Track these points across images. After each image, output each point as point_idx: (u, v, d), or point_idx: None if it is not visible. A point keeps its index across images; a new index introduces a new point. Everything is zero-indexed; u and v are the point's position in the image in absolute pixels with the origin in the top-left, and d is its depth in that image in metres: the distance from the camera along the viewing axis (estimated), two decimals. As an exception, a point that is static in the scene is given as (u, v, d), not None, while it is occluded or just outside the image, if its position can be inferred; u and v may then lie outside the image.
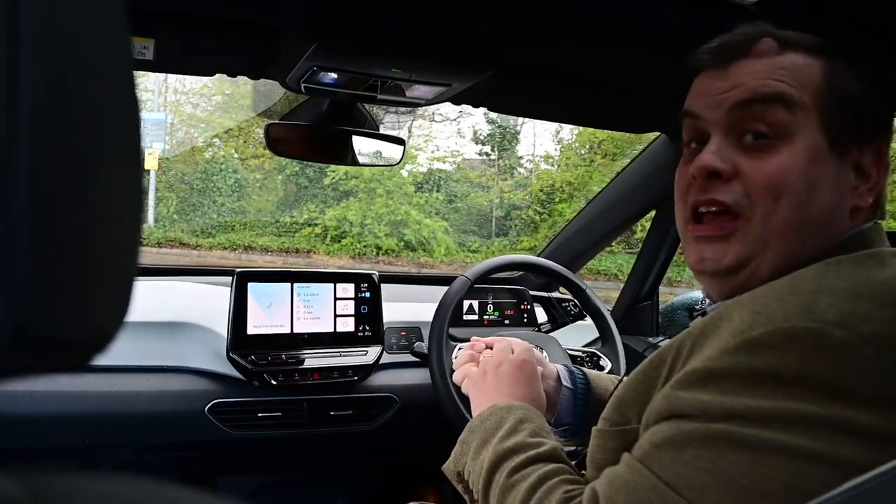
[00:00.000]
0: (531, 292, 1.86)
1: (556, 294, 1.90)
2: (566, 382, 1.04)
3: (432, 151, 12.11)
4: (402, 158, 1.48)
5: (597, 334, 1.63)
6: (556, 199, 10.64)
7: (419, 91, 1.17)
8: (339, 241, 10.35)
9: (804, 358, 0.55)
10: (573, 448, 1.04)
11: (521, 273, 2.04)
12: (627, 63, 1.15)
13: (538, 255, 1.85)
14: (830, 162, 0.67)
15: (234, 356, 1.40)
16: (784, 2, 0.97)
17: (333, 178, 10.80)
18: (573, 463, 0.81)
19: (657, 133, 1.62)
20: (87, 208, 0.22)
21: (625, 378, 0.77)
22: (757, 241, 0.67)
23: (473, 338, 1.09)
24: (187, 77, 10.89)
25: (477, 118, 12.03)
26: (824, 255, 0.66)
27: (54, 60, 0.21)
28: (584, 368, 1.10)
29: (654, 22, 1.03)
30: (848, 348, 0.55)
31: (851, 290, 0.59)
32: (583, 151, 11.08)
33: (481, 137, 11.92)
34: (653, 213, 1.82)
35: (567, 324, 1.82)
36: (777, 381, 0.56)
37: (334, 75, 1.10)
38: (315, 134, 1.40)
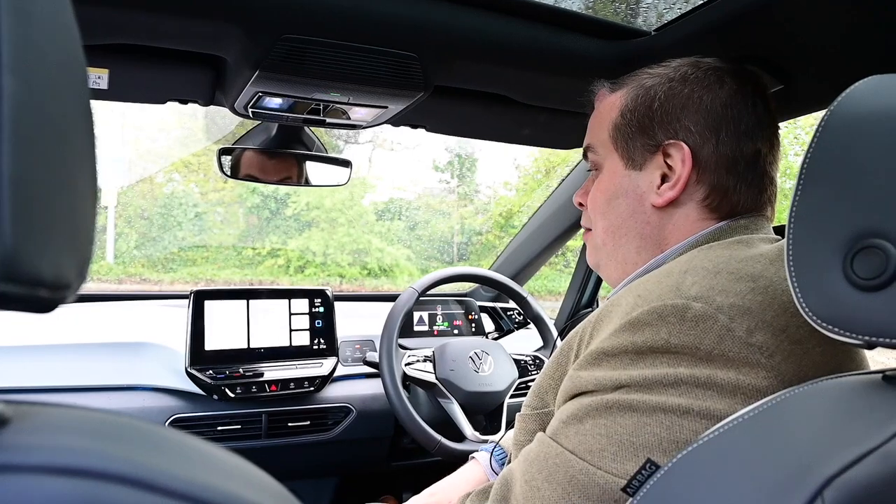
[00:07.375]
0: (478, 303, 1.93)
1: (500, 304, 1.98)
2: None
3: (392, 181, 12.19)
4: (348, 179, 1.55)
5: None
6: (515, 223, 10.76)
7: (359, 113, 1.21)
8: (303, 272, 10.27)
9: (672, 330, 0.64)
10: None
11: (473, 287, 2.12)
12: (549, 86, 1.21)
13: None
14: (628, 176, 0.83)
15: (193, 371, 1.44)
16: (678, 28, 1.09)
17: (295, 209, 10.70)
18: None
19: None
20: (54, 182, 0.30)
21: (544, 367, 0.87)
22: (597, 246, 0.89)
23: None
24: (146, 113, 10.80)
25: (435, 147, 12.13)
26: (687, 247, 0.77)
27: (26, 71, 0.28)
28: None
29: (571, 48, 1.10)
30: (705, 317, 0.63)
31: (712, 268, 0.68)
32: (539, 176, 11.25)
33: (440, 166, 12.01)
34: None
35: (512, 331, 1.90)
36: (654, 353, 0.65)
37: (279, 100, 1.15)
38: (264, 157, 1.45)
